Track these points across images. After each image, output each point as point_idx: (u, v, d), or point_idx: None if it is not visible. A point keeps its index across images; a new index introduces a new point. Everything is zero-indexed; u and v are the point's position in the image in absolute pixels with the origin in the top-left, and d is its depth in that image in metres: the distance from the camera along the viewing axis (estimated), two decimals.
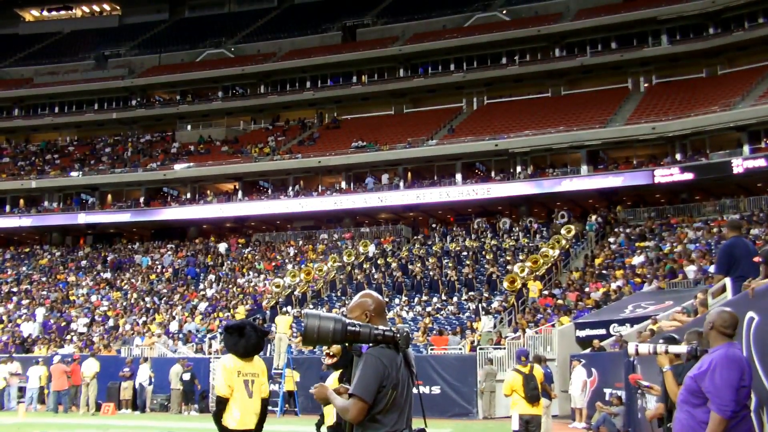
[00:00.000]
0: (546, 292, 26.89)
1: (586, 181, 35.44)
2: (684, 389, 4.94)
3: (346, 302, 27.66)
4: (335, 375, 6.59)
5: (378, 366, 3.80)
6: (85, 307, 35.19)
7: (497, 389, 20.29)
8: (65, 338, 31.32)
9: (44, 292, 37.75)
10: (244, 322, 6.86)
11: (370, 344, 3.85)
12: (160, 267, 39.17)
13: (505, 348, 22.02)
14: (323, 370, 17.14)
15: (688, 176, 32.86)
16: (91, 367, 22.70)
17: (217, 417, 6.61)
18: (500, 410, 20.14)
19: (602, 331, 20.01)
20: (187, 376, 22.99)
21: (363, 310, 4.06)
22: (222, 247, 40.20)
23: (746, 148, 33.01)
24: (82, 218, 44.28)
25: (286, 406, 22.21)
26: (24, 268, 42.15)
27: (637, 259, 27.57)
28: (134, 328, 30.95)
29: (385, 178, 40.61)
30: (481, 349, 22.35)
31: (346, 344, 3.87)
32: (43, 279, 40.05)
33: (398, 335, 3.84)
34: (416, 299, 29.25)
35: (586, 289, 25.87)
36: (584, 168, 36.52)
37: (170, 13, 64.54)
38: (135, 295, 35.68)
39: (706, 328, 4.93)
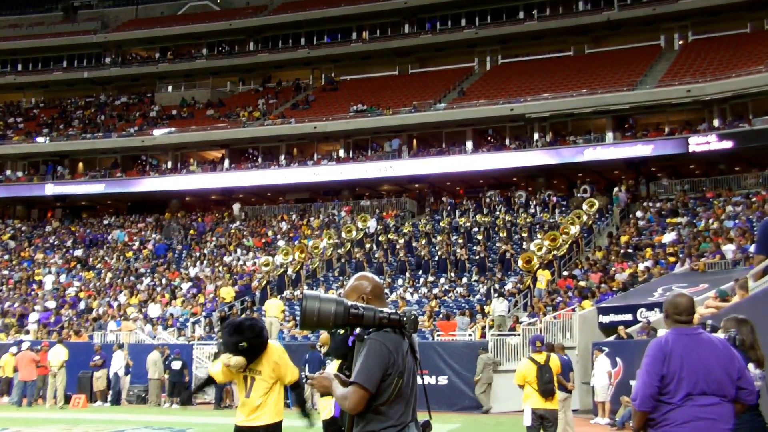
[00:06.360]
0: (566, 273, 26.94)
1: (611, 150, 35.32)
2: None
3: (345, 283, 27.68)
4: (334, 365, 6.62)
5: (382, 352, 3.82)
6: (54, 288, 35.27)
7: (495, 380, 20.84)
8: (30, 322, 31.39)
9: (6, 272, 37.80)
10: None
11: (373, 329, 3.86)
12: (137, 243, 39.24)
13: (519, 334, 22.10)
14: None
15: (727, 144, 32.70)
16: (58, 355, 22.63)
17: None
18: (499, 405, 20.45)
19: (628, 317, 20.03)
20: (177, 365, 22.87)
21: (359, 293, 4.10)
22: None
23: None
24: (50, 189, 44.28)
25: None
26: None
27: (668, 237, 27.55)
28: (108, 311, 31.05)
29: (387, 145, 40.52)
30: (494, 335, 22.44)
31: (348, 329, 3.88)
32: (6, 257, 40.06)
33: (404, 318, 3.87)
34: (422, 280, 29.32)
35: (611, 270, 25.88)
36: (610, 135, 36.39)
37: None
38: (110, 275, 35.76)
39: (663, 317, 4.99)
